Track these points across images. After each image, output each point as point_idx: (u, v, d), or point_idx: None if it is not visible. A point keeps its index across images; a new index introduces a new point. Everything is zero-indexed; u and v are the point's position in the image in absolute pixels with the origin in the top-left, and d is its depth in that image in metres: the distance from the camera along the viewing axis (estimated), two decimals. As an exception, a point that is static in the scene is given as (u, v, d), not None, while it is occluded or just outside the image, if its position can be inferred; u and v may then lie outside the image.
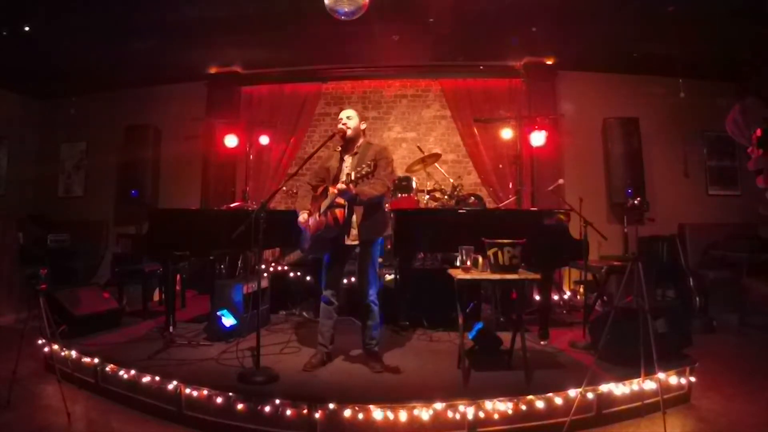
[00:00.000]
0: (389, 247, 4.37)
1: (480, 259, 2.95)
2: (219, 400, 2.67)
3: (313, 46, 5.77)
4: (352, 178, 2.81)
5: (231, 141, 6.27)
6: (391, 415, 2.50)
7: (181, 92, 6.90)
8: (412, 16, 4.88)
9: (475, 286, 4.06)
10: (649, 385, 2.78)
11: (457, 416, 2.52)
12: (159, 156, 6.80)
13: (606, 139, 6.17)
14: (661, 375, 2.73)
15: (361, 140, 3.19)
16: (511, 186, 6.17)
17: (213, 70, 6.67)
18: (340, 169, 3.13)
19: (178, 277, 4.93)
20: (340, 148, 3.23)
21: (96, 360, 3.16)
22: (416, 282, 4.25)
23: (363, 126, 3.21)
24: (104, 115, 7.06)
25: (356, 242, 3.08)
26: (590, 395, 2.69)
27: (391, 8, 4.57)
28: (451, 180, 5.45)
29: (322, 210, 3.02)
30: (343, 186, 2.85)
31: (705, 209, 6.21)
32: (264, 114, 6.70)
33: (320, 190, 3.20)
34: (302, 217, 3.13)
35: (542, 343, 3.60)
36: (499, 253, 2.82)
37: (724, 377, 3.38)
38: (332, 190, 2.96)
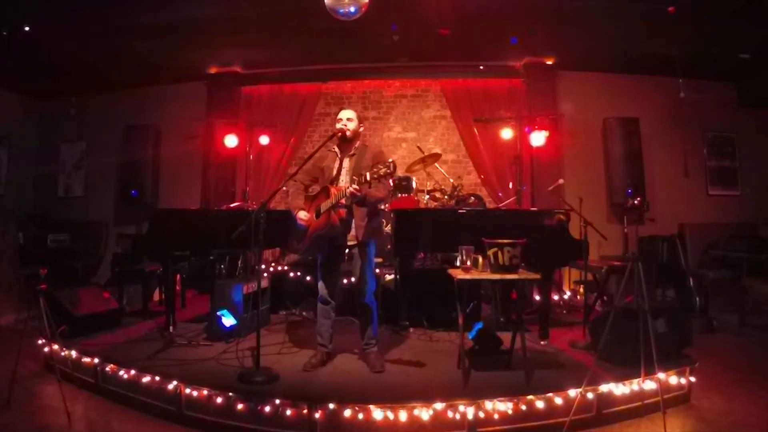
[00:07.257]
0: (389, 247, 4.36)
1: (480, 259, 2.95)
2: (219, 400, 2.67)
3: (313, 45, 5.76)
4: (368, 178, 2.77)
5: (231, 141, 6.27)
6: (391, 415, 2.50)
7: (181, 92, 6.89)
8: (412, 16, 4.87)
9: (475, 286, 4.06)
10: (649, 385, 2.78)
11: (457, 416, 2.52)
12: (159, 156, 6.77)
13: (606, 139, 6.17)
14: (661, 375, 2.73)
15: (357, 142, 3.19)
16: (511, 186, 6.17)
17: (213, 70, 6.66)
18: (339, 170, 3.11)
19: (178, 277, 4.93)
20: (336, 148, 3.20)
21: (96, 360, 3.15)
22: (416, 282, 4.24)
23: (361, 129, 3.21)
24: (104, 115, 7.05)
25: (354, 242, 3.07)
26: (590, 395, 2.69)
27: (391, 8, 4.57)
28: (451, 180, 5.45)
29: (323, 210, 2.99)
30: (357, 189, 2.82)
31: (705, 209, 6.21)
32: (264, 114, 6.70)
33: (314, 189, 3.19)
34: (304, 214, 3.09)
35: (542, 343, 3.60)
36: (499, 253, 2.82)
37: (724, 377, 3.38)
38: (334, 191, 2.94)
